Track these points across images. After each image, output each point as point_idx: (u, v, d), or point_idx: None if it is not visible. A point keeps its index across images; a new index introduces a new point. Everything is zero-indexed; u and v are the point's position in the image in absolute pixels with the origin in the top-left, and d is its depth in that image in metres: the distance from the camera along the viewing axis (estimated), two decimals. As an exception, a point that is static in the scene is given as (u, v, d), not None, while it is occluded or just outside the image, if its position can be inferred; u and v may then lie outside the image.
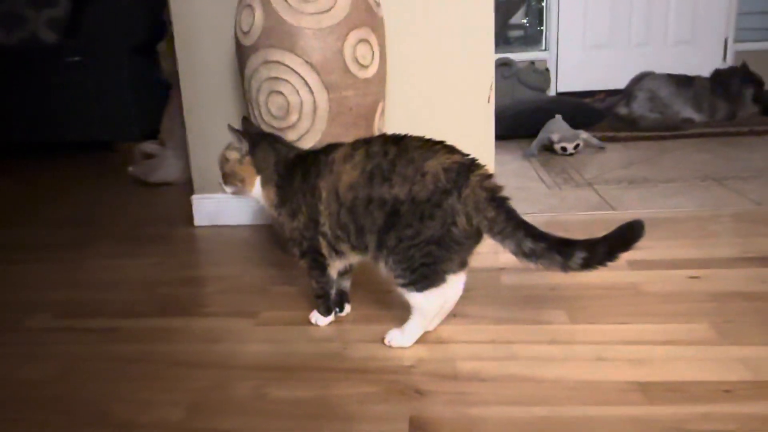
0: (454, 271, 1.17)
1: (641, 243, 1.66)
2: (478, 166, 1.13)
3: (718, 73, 3.35)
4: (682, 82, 3.28)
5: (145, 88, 3.31)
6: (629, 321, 1.27)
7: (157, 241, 1.94)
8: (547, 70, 4.23)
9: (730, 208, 1.92)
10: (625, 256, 1.57)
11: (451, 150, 1.15)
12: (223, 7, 1.84)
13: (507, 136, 3.14)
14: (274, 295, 1.49)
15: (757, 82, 3.30)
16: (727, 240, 1.67)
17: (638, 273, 1.49)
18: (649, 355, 1.13)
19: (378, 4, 1.64)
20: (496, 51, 4.37)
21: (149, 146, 2.73)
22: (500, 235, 1.10)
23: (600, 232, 1.14)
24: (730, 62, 4.24)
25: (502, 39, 4.73)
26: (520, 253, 1.10)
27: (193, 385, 1.11)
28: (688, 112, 3.23)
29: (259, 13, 1.54)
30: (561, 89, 4.33)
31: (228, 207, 2.00)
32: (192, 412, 1.03)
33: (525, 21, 4.65)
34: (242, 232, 1.96)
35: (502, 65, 4.20)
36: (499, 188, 1.12)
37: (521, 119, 3.20)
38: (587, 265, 1.09)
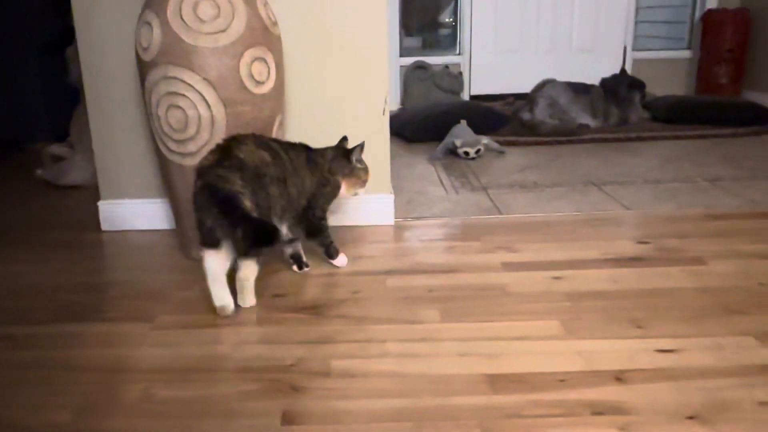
0: (205, 245, 1.42)
1: (517, 245, 1.85)
2: None
3: (604, 82, 3.61)
4: (580, 89, 3.52)
5: (55, 90, 3.28)
6: (493, 319, 1.42)
7: (62, 247, 1.97)
8: (460, 73, 4.42)
9: (602, 212, 2.12)
10: (500, 258, 1.75)
11: None
12: (126, 15, 1.89)
13: (418, 140, 3.28)
14: (173, 300, 1.57)
15: (641, 86, 3.58)
16: (592, 243, 1.85)
17: (509, 274, 1.65)
18: (503, 350, 1.29)
19: (275, 24, 1.74)
20: (415, 54, 4.53)
21: (59, 149, 2.73)
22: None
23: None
24: (628, 69, 4.53)
25: (424, 42, 4.89)
26: None
27: (83, 389, 1.19)
28: (584, 119, 3.46)
29: (157, 31, 1.60)
30: (474, 92, 4.53)
31: (134, 212, 2.05)
32: (79, 414, 1.11)
33: (449, 20, 4.79)
34: (148, 237, 2.02)
35: (417, 68, 4.36)
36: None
37: (431, 123, 3.34)
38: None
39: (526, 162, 2.85)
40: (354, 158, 1.69)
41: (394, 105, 4.45)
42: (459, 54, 4.58)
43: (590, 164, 2.77)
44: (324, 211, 1.69)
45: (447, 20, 4.84)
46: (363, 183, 1.72)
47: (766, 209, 2.09)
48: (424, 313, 1.46)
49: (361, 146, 1.69)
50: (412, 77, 4.34)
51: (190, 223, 1.76)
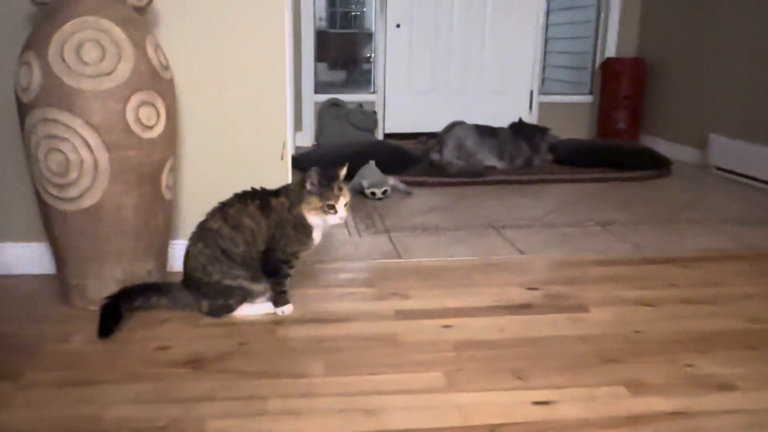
0: None
1: (412, 292, 1.87)
2: None
3: (511, 126, 3.76)
4: (487, 132, 3.64)
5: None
6: (378, 372, 1.42)
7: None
8: (374, 112, 4.48)
9: (498, 257, 2.18)
10: (394, 305, 1.76)
11: None
12: (5, 53, 1.80)
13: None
14: (47, 354, 1.48)
15: (545, 130, 3.75)
16: (485, 289, 1.89)
17: (401, 323, 1.66)
18: (384, 405, 1.28)
19: (166, 67, 1.71)
20: (331, 91, 4.57)
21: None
22: None
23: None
24: (535, 112, 4.73)
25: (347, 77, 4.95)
26: None
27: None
28: (490, 160, 3.57)
29: (37, 72, 1.54)
30: (388, 130, 4.60)
31: (13, 255, 1.94)
32: None
33: (370, 55, 4.84)
34: (28, 283, 1.91)
35: (332, 105, 4.39)
36: None
37: (342, 162, 3.35)
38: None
39: (432, 203, 2.90)
40: (308, 185, 1.59)
41: (309, 142, 4.46)
42: (374, 92, 4.64)
43: (492, 206, 2.84)
44: (285, 253, 1.63)
45: (366, 57, 4.92)
46: (323, 209, 1.58)
47: (649, 254, 2.21)
48: (309, 365, 1.44)
49: (316, 171, 1.58)
50: (327, 114, 4.36)
51: (73, 270, 1.69)
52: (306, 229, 1.63)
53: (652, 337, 1.59)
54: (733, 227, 2.56)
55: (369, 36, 4.73)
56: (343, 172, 1.64)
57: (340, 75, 7.16)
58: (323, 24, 7.28)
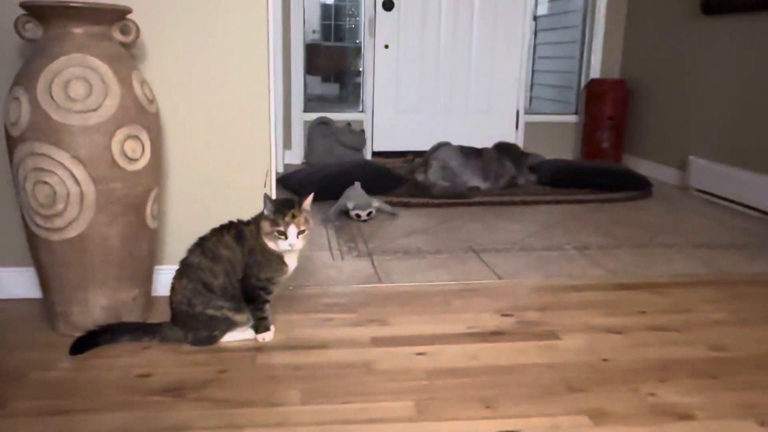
0: None
1: (390, 318, 1.92)
2: None
3: (496, 147, 3.83)
4: (471, 153, 3.71)
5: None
6: (352, 400, 1.47)
7: None
8: (362, 131, 4.55)
9: (475, 281, 2.24)
10: (371, 332, 1.81)
11: None
12: None
13: (315, 199, 3.33)
14: (31, 383, 1.53)
15: (526, 154, 3.85)
16: (461, 315, 1.95)
17: (376, 350, 1.71)
18: (356, 435, 1.34)
19: (151, 101, 1.76)
20: (320, 110, 4.64)
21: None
22: None
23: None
24: (521, 131, 4.81)
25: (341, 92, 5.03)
26: None
27: None
28: (475, 181, 3.64)
29: (25, 107, 1.60)
30: (376, 149, 4.67)
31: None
32: None
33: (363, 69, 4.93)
34: (12, 308, 1.95)
35: (321, 124, 4.46)
36: None
37: (328, 183, 3.42)
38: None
39: (415, 225, 2.96)
40: (264, 211, 1.64)
41: (298, 160, 4.52)
42: (362, 111, 4.71)
43: (474, 229, 2.91)
44: (260, 279, 1.68)
45: (360, 71, 5.01)
46: (275, 235, 1.62)
47: (621, 280, 2.27)
48: (286, 393, 1.49)
49: (267, 197, 1.63)
50: (316, 133, 4.43)
51: (58, 297, 1.74)
52: (273, 255, 1.67)
53: (618, 366, 1.65)
54: (706, 252, 2.63)
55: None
56: (307, 201, 1.68)
57: (333, 88, 7.24)
58: (317, 37, 7.36)
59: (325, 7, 7.51)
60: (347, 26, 7.61)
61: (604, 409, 1.45)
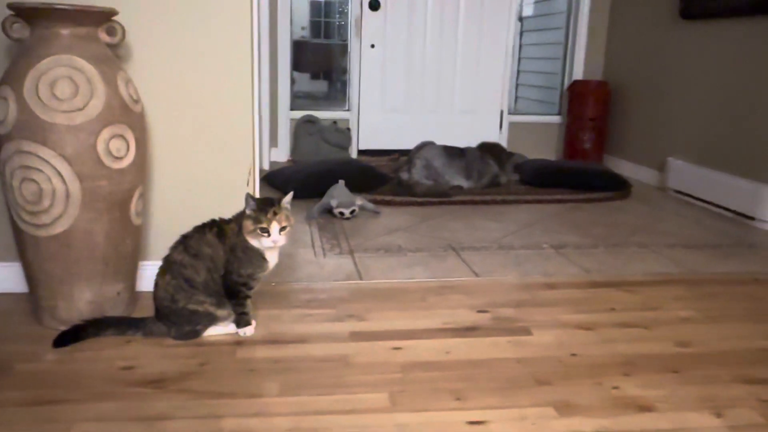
0: None
1: (368, 314, 1.97)
2: None
3: (479, 146, 3.90)
4: (455, 153, 3.77)
5: None
6: (329, 392, 1.53)
7: None
8: (348, 129, 4.60)
9: (453, 279, 2.30)
10: (350, 327, 1.87)
11: None
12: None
13: (299, 197, 3.38)
14: (17, 375, 1.57)
15: (503, 154, 3.92)
16: (437, 311, 2.01)
17: (354, 344, 1.77)
18: (331, 425, 1.39)
19: (136, 101, 1.81)
20: (306, 108, 4.68)
21: None
22: None
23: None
24: (505, 131, 4.88)
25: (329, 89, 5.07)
26: None
27: None
28: (458, 180, 3.71)
29: (13, 107, 1.64)
30: (362, 147, 4.72)
31: (-10, 275, 2.03)
32: None
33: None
34: (1, 301, 2.00)
35: (307, 122, 4.50)
36: None
37: (312, 181, 3.47)
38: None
39: (397, 224, 3.02)
40: (246, 209, 1.69)
41: (284, 158, 4.56)
42: (348, 110, 4.77)
43: (454, 227, 2.97)
44: (241, 275, 1.73)
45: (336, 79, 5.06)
46: (257, 232, 1.66)
47: (595, 278, 2.34)
48: (265, 385, 1.54)
49: (249, 196, 1.68)
50: (302, 131, 4.47)
51: (44, 292, 1.78)
52: (253, 252, 1.72)
53: (586, 361, 1.72)
54: (680, 251, 2.70)
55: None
56: (287, 199, 1.72)
57: (322, 85, 7.27)
58: (306, 34, 7.39)
59: (314, 4, 7.54)
60: (337, 23, 7.63)
61: (569, 401, 1.51)
